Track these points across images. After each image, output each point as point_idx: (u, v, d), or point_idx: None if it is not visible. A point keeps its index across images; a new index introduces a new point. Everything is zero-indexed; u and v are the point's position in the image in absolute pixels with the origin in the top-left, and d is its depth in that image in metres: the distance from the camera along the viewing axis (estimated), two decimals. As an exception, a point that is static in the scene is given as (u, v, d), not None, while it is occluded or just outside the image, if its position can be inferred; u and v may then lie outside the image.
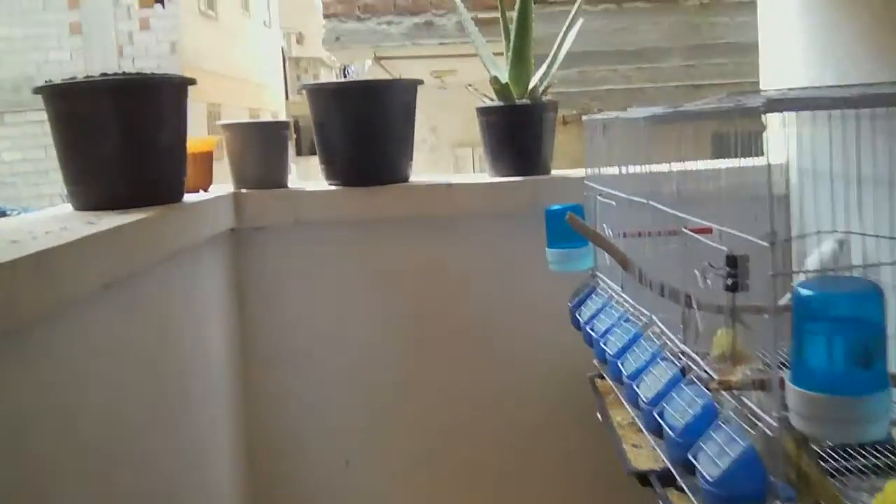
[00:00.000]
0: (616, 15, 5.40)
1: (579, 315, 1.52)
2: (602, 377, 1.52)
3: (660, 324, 1.23)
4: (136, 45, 11.27)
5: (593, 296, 1.54)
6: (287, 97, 18.10)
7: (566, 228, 1.60)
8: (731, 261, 0.91)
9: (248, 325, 1.78)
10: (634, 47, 5.45)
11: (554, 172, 1.82)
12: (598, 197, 1.57)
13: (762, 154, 1.78)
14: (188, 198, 1.50)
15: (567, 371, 1.70)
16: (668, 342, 1.17)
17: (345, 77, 13.00)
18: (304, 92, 1.79)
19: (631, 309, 1.37)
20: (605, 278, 1.55)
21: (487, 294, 1.80)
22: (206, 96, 11.72)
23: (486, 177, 1.82)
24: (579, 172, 1.74)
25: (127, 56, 11.14)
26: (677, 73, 5.61)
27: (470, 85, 1.86)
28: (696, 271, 0.99)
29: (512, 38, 1.76)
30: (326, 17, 5.01)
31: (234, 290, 1.77)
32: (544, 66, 1.80)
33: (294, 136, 18.75)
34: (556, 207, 1.62)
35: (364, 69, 6.89)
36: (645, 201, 1.29)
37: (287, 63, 19.09)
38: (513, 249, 1.79)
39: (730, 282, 0.92)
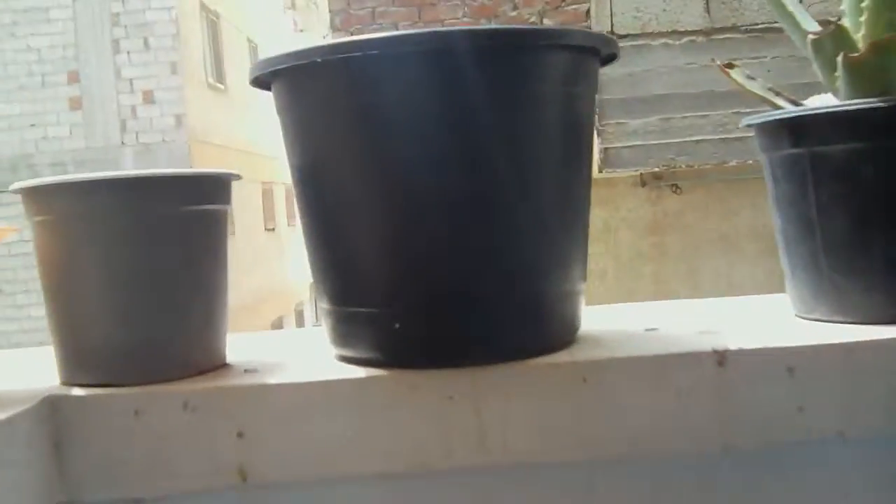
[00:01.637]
0: (705, 48, 4.23)
1: None
2: None
3: None
4: (140, 118, 10.75)
5: None
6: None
7: None
8: None
9: None
10: (728, 88, 4.28)
11: None
12: None
13: None
14: None
15: None
16: None
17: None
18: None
19: None
20: None
21: None
22: (215, 171, 11.29)
23: (802, 322, 0.62)
24: None
25: (130, 130, 10.70)
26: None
27: (713, 60, 0.75)
28: None
29: None
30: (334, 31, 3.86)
31: None
32: None
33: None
34: None
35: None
36: None
37: (302, 135, 18.17)
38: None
39: None
